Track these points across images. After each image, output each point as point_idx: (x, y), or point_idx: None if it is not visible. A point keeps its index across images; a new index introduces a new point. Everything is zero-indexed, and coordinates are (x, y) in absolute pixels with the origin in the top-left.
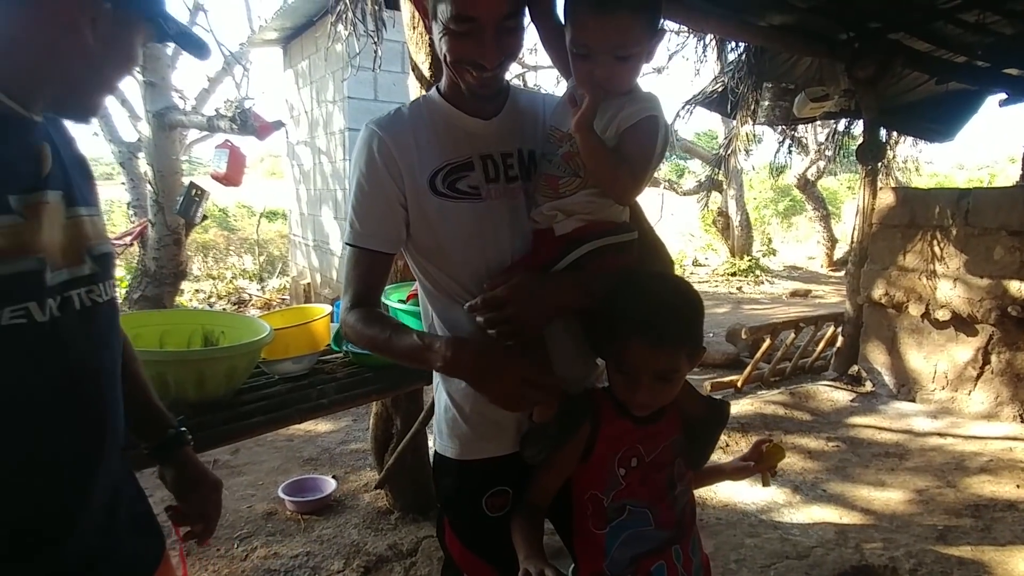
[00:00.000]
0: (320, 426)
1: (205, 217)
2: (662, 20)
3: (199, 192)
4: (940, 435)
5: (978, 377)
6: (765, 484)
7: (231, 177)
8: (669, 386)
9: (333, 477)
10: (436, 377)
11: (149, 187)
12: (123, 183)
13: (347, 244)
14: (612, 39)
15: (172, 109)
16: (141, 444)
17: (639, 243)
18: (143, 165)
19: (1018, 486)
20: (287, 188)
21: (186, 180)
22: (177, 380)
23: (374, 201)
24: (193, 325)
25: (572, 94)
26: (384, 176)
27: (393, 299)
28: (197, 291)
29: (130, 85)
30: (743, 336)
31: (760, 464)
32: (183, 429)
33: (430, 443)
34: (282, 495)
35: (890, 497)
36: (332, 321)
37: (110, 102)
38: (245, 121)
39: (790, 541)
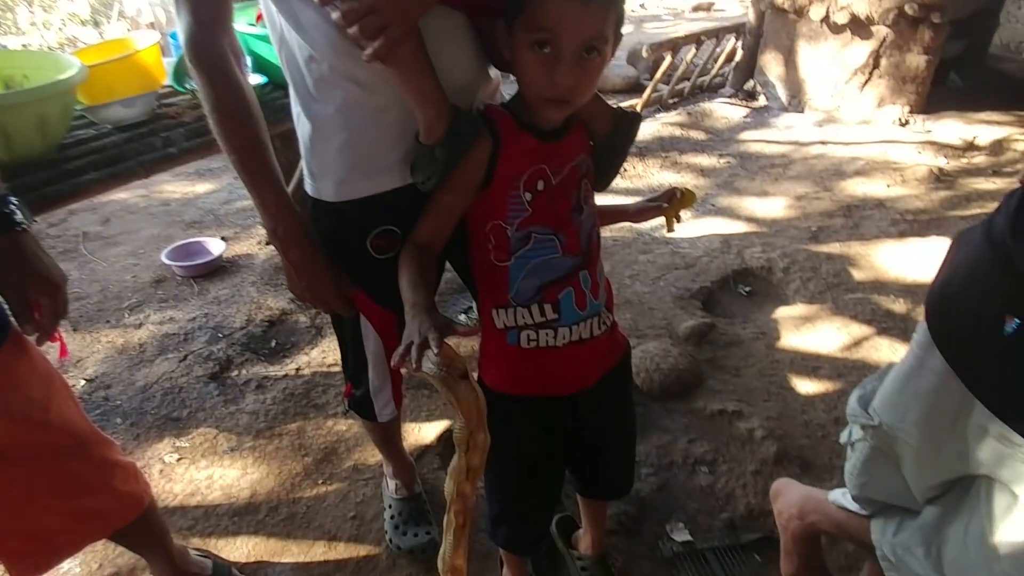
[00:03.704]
0: (198, 187)
1: None
2: None
3: None
4: (823, 143)
5: (866, 82)
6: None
7: None
8: (592, 66)
9: (222, 238)
10: (296, 106)
11: None
12: None
13: None
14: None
15: None
16: None
17: None
18: None
19: (888, 186)
20: None
21: None
22: None
23: None
24: None
25: None
26: None
27: (239, 21)
28: (24, 45)
29: None
30: (644, 55)
31: (669, 209)
32: (9, 210)
33: None
34: (167, 261)
35: (771, 206)
36: (169, 56)
37: None
38: None
39: (679, 254)
